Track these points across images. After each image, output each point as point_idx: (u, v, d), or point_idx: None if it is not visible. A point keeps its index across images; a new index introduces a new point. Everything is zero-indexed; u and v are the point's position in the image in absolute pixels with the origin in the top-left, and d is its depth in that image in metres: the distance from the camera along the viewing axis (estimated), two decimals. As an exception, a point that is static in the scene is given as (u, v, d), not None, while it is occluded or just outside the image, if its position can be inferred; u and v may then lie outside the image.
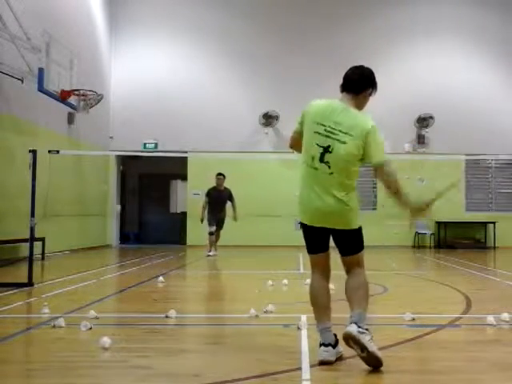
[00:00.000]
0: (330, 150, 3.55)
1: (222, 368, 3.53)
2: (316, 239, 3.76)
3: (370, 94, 3.76)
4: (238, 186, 16.22)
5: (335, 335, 3.66)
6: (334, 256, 3.84)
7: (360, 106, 3.72)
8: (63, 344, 4.19)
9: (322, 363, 3.54)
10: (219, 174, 13.03)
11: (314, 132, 3.61)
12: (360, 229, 3.71)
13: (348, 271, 3.74)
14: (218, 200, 12.81)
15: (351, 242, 3.70)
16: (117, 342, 4.07)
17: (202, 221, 12.84)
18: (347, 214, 3.61)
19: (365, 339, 3.36)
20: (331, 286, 3.90)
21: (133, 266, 10.26)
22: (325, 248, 3.78)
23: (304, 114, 3.72)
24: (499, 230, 16.83)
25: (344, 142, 3.54)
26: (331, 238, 3.75)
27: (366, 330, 3.43)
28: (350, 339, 3.41)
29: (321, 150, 3.57)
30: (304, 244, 3.90)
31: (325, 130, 3.58)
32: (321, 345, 3.61)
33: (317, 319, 3.73)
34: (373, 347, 3.38)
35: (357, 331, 3.38)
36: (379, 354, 3.40)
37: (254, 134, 17.27)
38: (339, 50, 16.96)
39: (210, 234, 12.82)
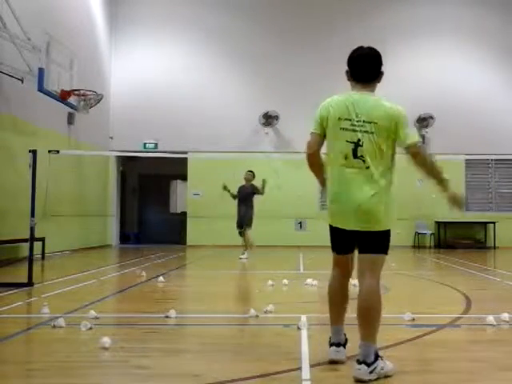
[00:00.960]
0: (361, 143, 3.36)
1: (222, 368, 3.53)
2: (345, 241, 3.55)
3: (382, 75, 3.56)
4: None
5: (345, 334, 3.63)
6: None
7: (374, 88, 3.52)
8: (63, 344, 4.19)
9: (333, 362, 3.52)
10: (249, 171, 12.53)
11: (341, 129, 3.41)
12: (389, 231, 3.47)
13: (360, 276, 3.46)
14: (241, 196, 12.29)
15: (375, 242, 3.43)
16: (117, 342, 4.07)
17: (224, 188, 12.27)
18: (383, 212, 3.38)
19: (377, 375, 3.25)
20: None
21: (133, 266, 10.25)
22: (351, 249, 3.58)
23: (322, 114, 3.49)
24: (499, 230, 16.83)
25: (372, 132, 3.35)
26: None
27: (375, 357, 3.28)
28: (361, 382, 3.25)
29: (352, 145, 3.38)
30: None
31: (351, 124, 3.38)
32: (332, 344, 3.58)
33: (331, 318, 3.65)
34: (383, 374, 3.29)
35: (367, 373, 3.22)
36: (391, 372, 3.34)
37: (254, 134, 17.27)
38: (339, 50, 16.79)
39: (240, 234, 12.30)
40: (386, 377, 3.31)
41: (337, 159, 3.44)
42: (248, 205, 12.20)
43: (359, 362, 3.27)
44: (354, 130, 3.39)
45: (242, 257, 11.84)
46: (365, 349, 3.30)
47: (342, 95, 3.52)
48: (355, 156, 3.38)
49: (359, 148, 3.37)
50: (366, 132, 3.37)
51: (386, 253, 3.48)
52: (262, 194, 12.19)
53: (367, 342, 3.31)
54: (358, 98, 3.45)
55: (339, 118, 3.43)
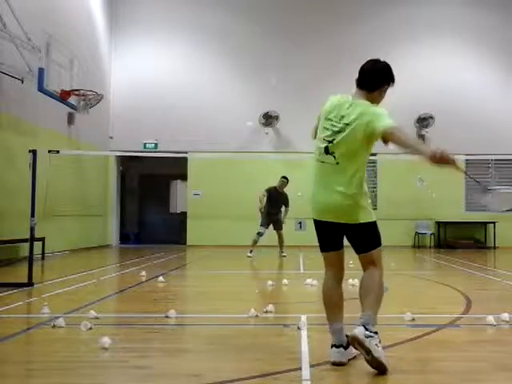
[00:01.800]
0: (334, 141, 3.58)
1: (222, 368, 3.53)
2: (326, 236, 3.71)
3: (386, 90, 3.71)
4: (238, 186, 16.27)
5: (347, 336, 3.64)
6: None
7: (375, 101, 3.65)
8: (63, 344, 4.19)
9: (334, 364, 3.53)
10: (283, 177, 13.01)
11: (323, 127, 3.67)
12: (372, 224, 3.64)
13: (363, 269, 3.68)
14: (275, 201, 12.88)
15: (363, 238, 3.64)
16: (117, 342, 4.08)
17: (261, 210, 12.85)
18: (353, 206, 3.56)
19: (371, 343, 3.33)
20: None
21: (133, 266, 10.25)
22: (337, 246, 3.71)
23: (320, 110, 3.78)
24: (499, 230, 16.83)
25: (346, 132, 3.55)
26: (345, 236, 3.70)
27: (375, 333, 3.39)
28: (355, 341, 3.39)
29: (326, 143, 3.61)
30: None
31: (331, 124, 3.62)
32: (332, 346, 3.59)
33: (328, 319, 3.70)
34: (378, 352, 3.34)
35: (364, 334, 3.34)
36: (384, 359, 3.37)
37: (254, 134, 17.28)
38: (339, 50, 16.98)
39: (259, 234, 12.78)
40: (382, 374, 3.33)
41: (315, 154, 3.71)
42: (279, 211, 13.01)
43: (358, 325, 3.39)
44: (332, 130, 3.61)
45: (250, 255, 12.59)
46: (366, 317, 3.43)
47: (339, 96, 3.74)
48: (327, 152, 3.60)
49: (331, 145, 3.59)
50: (340, 132, 3.57)
51: (378, 245, 3.66)
52: (286, 210, 13.04)
53: (368, 311, 3.46)
54: (348, 101, 3.64)
55: (326, 118, 3.68)
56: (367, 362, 3.38)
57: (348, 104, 3.62)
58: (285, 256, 12.59)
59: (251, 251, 12.69)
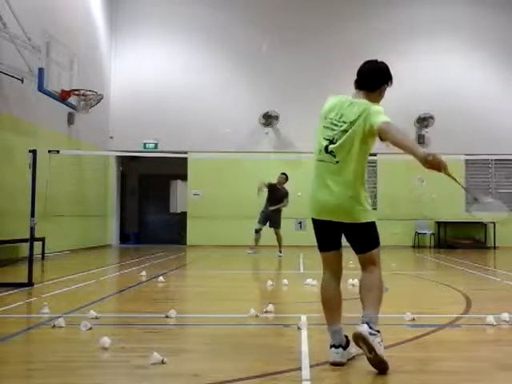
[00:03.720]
0: (334, 141, 3.59)
1: (222, 368, 3.53)
2: (325, 235, 3.71)
3: (385, 90, 3.75)
4: (238, 186, 16.26)
5: (346, 336, 3.64)
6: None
7: (374, 101, 3.68)
8: (63, 344, 4.19)
9: (333, 364, 3.53)
10: (282, 173, 13.08)
11: (323, 127, 3.68)
12: (372, 224, 3.64)
13: (362, 269, 3.67)
14: (274, 198, 12.91)
15: (362, 238, 3.64)
16: (117, 342, 4.08)
17: (259, 191, 12.82)
18: (353, 206, 3.56)
19: (374, 341, 3.33)
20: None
21: (133, 266, 10.26)
22: (335, 246, 3.71)
23: (321, 110, 3.78)
24: (499, 230, 16.83)
25: (346, 131, 3.56)
26: (344, 236, 3.69)
27: (378, 331, 3.39)
28: (359, 339, 3.38)
29: (326, 142, 3.62)
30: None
31: (331, 123, 3.64)
32: (331, 346, 3.59)
33: (327, 320, 3.69)
34: (381, 350, 3.34)
35: (367, 332, 3.34)
36: (385, 358, 3.36)
37: (254, 134, 17.28)
38: (339, 50, 16.98)
39: (256, 231, 12.95)
40: (382, 373, 3.33)
41: (315, 153, 3.71)
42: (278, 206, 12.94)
43: (362, 323, 3.39)
44: (332, 129, 3.62)
45: (250, 252, 12.73)
46: (368, 315, 3.43)
47: (338, 96, 3.76)
48: (326, 151, 3.61)
49: (331, 145, 3.60)
50: (341, 131, 3.58)
51: (377, 245, 3.67)
52: (285, 205, 12.98)
53: (369, 310, 3.46)
54: (347, 101, 3.66)
55: (325, 117, 3.70)
56: (369, 360, 3.38)
57: (348, 103, 3.64)
58: (280, 256, 12.59)
59: (252, 248, 12.96)
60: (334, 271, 3.73)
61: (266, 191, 13.13)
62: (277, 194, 12.96)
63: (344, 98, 3.70)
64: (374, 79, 3.70)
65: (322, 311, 3.74)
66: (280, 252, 12.81)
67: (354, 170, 3.56)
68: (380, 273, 3.64)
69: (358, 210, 3.57)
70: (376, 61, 3.78)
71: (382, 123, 3.44)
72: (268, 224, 13.13)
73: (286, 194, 12.97)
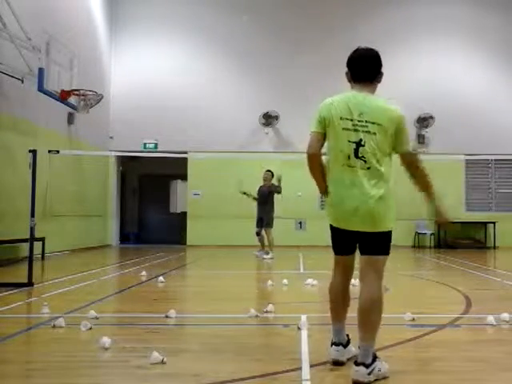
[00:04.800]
0: (363, 143, 3.36)
1: (222, 368, 3.53)
2: (344, 242, 3.57)
3: (382, 76, 3.59)
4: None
5: (348, 335, 3.63)
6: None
7: (374, 90, 3.53)
8: (63, 344, 4.19)
9: (334, 362, 3.52)
10: (268, 170, 12.73)
11: (343, 129, 3.40)
12: (390, 232, 3.46)
13: (362, 277, 3.45)
14: (263, 197, 12.48)
15: (378, 243, 3.44)
16: (117, 342, 4.08)
17: (241, 192, 12.74)
18: (384, 211, 3.39)
19: (374, 376, 3.24)
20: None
21: (133, 266, 10.25)
22: (352, 250, 3.59)
23: (323, 113, 3.47)
24: (499, 230, 16.84)
25: (374, 133, 3.36)
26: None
27: (374, 358, 3.28)
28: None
29: (353, 145, 3.37)
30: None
31: (352, 124, 3.38)
32: (332, 344, 3.58)
33: (332, 318, 3.65)
34: (381, 375, 3.28)
35: (366, 374, 3.21)
36: (387, 373, 3.32)
37: (254, 133, 17.28)
38: (339, 50, 16.88)
39: (256, 234, 12.56)
40: (384, 378, 3.31)
41: (338, 159, 3.43)
42: (267, 205, 12.39)
43: (357, 364, 3.26)
44: (356, 130, 3.38)
45: (266, 257, 12.04)
46: (364, 350, 3.30)
47: (342, 95, 3.52)
48: (356, 156, 3.37)
49: (361, 148, 3.37)
50: (368, 132, 3.37)
51: (387, 253, 3.49)
52: (279, 192, 12.32)
53: (366, 343, 3.31)
54: (361, 98, 3.44)
55: (341, 118, 3.42)
56: None
57: (361, 99, 3.42)
58: (264, 259, 11.95)
59: (268, 253, 12.24)
60: (345, 272, 3.63)
61: (256, 197, 12.79)
62: (263, 190, 12.60)
63: (353, 95, 3.47)
64: (373, 66, 3.52)
65: (324, 310, 3.73)
66: (267, 254, 12.23)
67: (385, 173, 3.39)
68: (381, 287, 3.45)
69: (387, 216, 3.41)
70: (368, 48, 3.58)
71: (414, 153, 3.44)
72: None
73: (272, 188, 12.37)
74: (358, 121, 3.38)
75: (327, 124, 3.46)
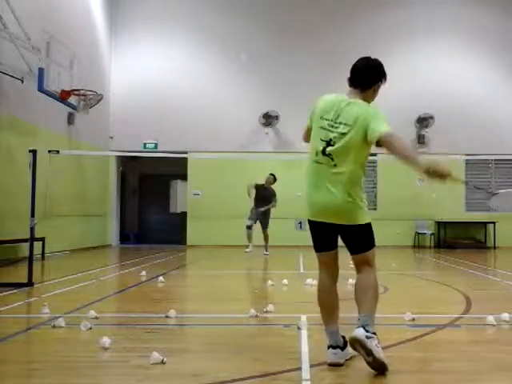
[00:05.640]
0: (332, 143, 3.52)
1: (222, 368, 3.53)
2: (322, 236, 3.66)
3: (379, 87, 3.69)
4: (238, 186, 16.23)
5: (343, 337, 3.63)
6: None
7: (368, 99, 3.65)
8: (63, 344, 4.19)
9: (331, 365, 3.52)
10: (271, 174, 13.39)
11: (319, 127, 3.60)
12: (368, 225, 3.60)
13: (357, 270, 3.63)
14: (262, 197, 13.13)
15: (359, 239, 3.59)
16: (117, 342, 4.07)
17: (249, 194, 13.27)
18: (352, 208, 3.52)
19: (372, 344, 3.31)
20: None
21: (133, 266, 10.26)
22: (331, 246, 3.67)
23: (314, 110, 3.70)
24: (499, 230, 16.83)
25: (344, 134, 3.50)
26: (339, 237, 3.66)
27: (374, 333, 3.37)
28: (356, 343, 3.36)
29: (324, 144, 3.55)
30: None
31: (328, 124, 3.56)
32: (329, 347, 3.57)
33: (324, 321, 3.67)
34: (379, 353, 3.32)
35: (364, 335, 3.32)
36: (385, 359, 3.35)
37: (254, 134, 17.28)
38: (339, 50, 16.94)
39: (247, 227, 13.20)
40: (381, 374, 3.31)
41: (311, 154, 3.65)
42: (267, 209, 13.18)
43: (358, 326, 3.36)
44: (330, 130, 3.56)
45: (247, 250, 12.95)
46: (364, 317, 3.41)
47: (333, 95, 3.70)
48: (324, 153, 3.56)
49: (329, 147, 3.54)
50: (339, 133, 3.52)
51: (373, 246, 3.65)
52: (274, 205, 13.22)
53: (366, 312, 3.44)
54: (344, 101, 3.60)
55: (321, 117, 3.62)
56: (368, 363, 3.35)
57: (344, 103, 3.57)
58: (267, 255, 12.84)
59: (247, 246, 13.14)
60: (330, 272, 3.69)
61: (254, 192, 13.32)
62: (264, 193, 13.16)
63: (340, 97, 3.63)
64: (367, 76, 3.64)
65: (319, 312, 3.72)
66: (266, 251, 13.03)
67: (353, 172, 3.51)
68: (375, 274, 3.60)
69: (356, 212, 3.54)
70: (370, 58, 3.73)
71: (383, 135, 3.38)
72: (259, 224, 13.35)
73: (273, 194, 13.16)
74: (334, 122, 3.55)
75: (313, 119, 3.71)
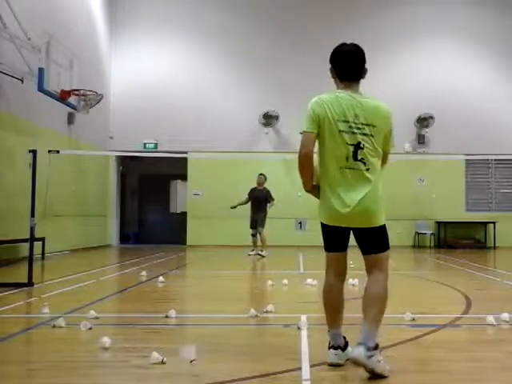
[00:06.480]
0: (362, 146, 3.38)
1: (222, 368, 3.53)
2: (337, 238, 3.55)
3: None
4: (238, 186, 16.24)
5: (344, 337, 3.60)
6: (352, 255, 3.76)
7: (359, 86, 3.53)
8: (63, 344, 4.18)
9: (332, 366, 3.50)
10: (260, 174, 13.34)
11: (340, 131, 3.39)
12: (385, 226, 3.52)
13: (369, 273, 3.51)
14: (255, 199, 13.11)
15: (375, 240, 3.49)
16: (117, 342, 4.07)
17: (232, 207, 13.33)
18: (378, 211, 3.46)
19: (373, 363, 3.22)
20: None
21: (133, 266, 10.25)
22: (344, 247, 3.58)
23: (318, 112, 3.43)
24: (499, 230, 16.83)
25: (371, 135, 3.40)
26: (354, 237, 3.57)
27: (376, 347, 3.27)
28: (356, 364, 3.28)
29: (352, 148, 3.38)
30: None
31: (349, 126, 3.38)
32: (330, 347, 3.55)
33: (328, 322, 3.60)
34: (380, 368, 3.24)
35: (365, 356, 3.21)
36: (386, 372, 3.27)
37: (254, 134, 17.28)
38: (339, 50, 16.96)
39: (252, 235, 13.23)
40: (383, 377, 3.29)
41: (335, 161, 3.43)
42: (262, 207, 13.10)
43: (359, 344, 3.26)
44: (353, 133, 3.39)
45: (263, 253, 12.80)
46: (367, 332, 3.30)
47: (332, 94, 3.49)
48: (355, 158, 3.39)
49: (360, 151, 3.39)
50: (366, 135, 3.39)
51: (387, 248, 3.56)
52: (271, 204, 13.14)
53: (370, 325, 3.32)
54: (351, 98, 3.43)
55: (337, 120, 3.40)
56: (368, 373, 3.30)
57: (354, 99, 3.41)
58: (264, 256, 12.62)
59: (253, 250, 13.07)
60: (339, 272, 3.58)
61: (247, 198, 13.29)
62: (258, 195, 13.14)
63: (342, 94, 3.45)
64: (360, 65, 3.52)
65: (324, 313, 3.65)
66: (263, 251, 12.92)
67: (381, 175, 3.49)
68: (386, 281, 3.48)
69: (380, 215, 3.48)
70: (354, 44, 3.58)
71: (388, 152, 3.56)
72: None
73: (268, 194, 13.13)
74: (354, 123, 3.39)
75: (321, 123, 3.43)
